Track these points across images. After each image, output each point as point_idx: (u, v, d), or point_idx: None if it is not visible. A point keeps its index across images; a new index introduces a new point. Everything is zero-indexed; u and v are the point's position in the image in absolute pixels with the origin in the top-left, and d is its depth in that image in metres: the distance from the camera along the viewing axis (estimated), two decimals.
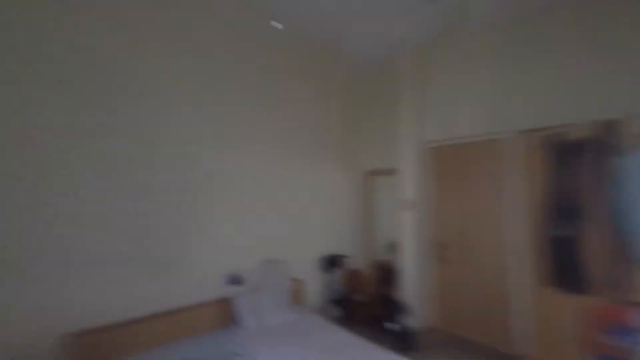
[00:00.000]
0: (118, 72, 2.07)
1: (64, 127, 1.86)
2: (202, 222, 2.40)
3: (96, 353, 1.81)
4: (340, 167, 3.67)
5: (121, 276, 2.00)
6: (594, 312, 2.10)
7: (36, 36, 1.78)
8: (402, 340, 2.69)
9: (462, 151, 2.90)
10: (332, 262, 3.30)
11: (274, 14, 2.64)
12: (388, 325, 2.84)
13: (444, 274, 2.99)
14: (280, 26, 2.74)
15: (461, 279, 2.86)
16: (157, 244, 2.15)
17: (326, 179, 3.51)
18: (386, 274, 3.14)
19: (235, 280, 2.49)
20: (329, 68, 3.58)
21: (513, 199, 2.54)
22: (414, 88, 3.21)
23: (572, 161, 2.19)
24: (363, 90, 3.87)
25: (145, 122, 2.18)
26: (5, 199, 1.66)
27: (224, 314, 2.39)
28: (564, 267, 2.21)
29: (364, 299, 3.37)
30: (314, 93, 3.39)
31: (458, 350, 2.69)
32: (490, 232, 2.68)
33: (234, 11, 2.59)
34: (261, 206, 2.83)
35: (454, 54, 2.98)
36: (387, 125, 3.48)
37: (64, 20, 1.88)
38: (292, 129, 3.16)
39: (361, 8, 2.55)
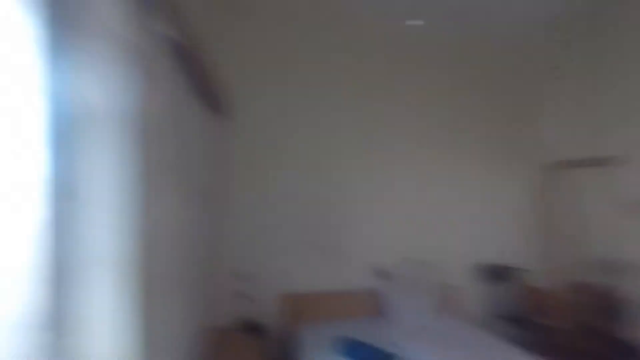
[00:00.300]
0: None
1: None
2: (359, 219, 2.65)
3: (292, 312, 2.36)
4: (509, 159, 3.02)
5: (306, 257, 2.52)
6: None
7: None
8: None
9: None
10: (497, 273, 2.81)
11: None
12: None
13: None
14: (419, 22, 2.66)
15: None
16: (327, 235, 2.57)
17: (489, 174, 2.97)
18: (602, 302, 2.31)
19: (383, 274, 2.54)
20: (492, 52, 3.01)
21: None
22: None
23: None
24: (538, 65, 2.96)
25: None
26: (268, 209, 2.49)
27: (371, 304, 2.51)
28: None
29: (556, 326, 2.64)
30: (467, 83, 2.99)
31: None
32: None
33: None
34: (411, 206, 2.78)
35: None
36: (591, 99, 2.51)
37: None
38: (443, 124, 2.90)
39: None
